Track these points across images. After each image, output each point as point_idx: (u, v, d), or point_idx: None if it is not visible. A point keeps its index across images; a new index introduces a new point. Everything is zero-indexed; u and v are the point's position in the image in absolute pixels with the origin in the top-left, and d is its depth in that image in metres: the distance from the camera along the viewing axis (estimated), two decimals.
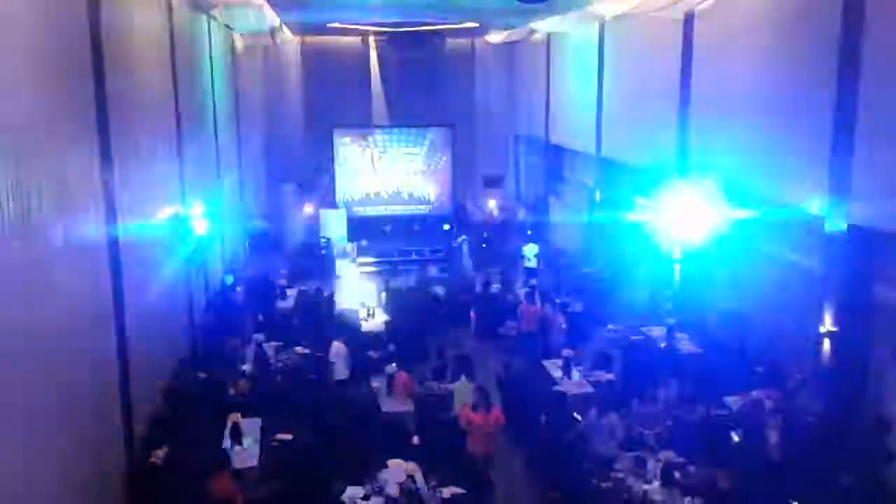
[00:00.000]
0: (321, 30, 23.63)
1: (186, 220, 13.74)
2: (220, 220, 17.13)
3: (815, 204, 10.13)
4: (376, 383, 11.82)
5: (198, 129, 15.65)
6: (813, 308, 10.52)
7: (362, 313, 15.48)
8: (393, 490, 8.56)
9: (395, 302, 16.33)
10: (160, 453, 9.09)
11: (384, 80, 26.20)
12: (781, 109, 11.15)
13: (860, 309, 9.87)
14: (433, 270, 19.73)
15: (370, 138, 26.09)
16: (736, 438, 9.82)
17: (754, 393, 10.35)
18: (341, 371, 12.42)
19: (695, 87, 13.99)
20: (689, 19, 14.03)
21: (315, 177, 25.04)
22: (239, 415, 10.28)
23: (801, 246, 11.35)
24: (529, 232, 23.24)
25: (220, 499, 8.33)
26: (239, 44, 21.92)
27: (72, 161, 7.69)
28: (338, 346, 12.54)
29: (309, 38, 25.49)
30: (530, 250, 19.78)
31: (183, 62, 13.74)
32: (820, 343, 10.31)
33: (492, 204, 25.55)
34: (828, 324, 10.22)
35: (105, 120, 8.62)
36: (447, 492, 8.63)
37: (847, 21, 9.44)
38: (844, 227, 9.68)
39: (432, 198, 26.44)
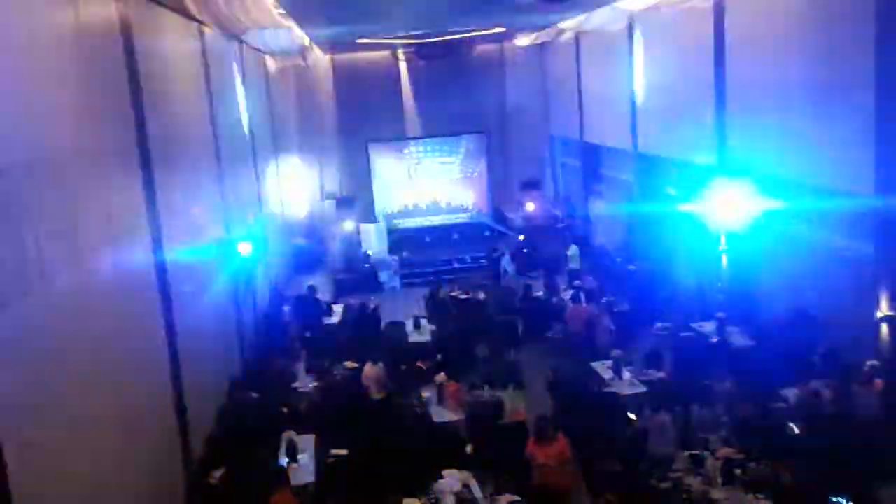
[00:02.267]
0: (351, 47, 23.86)
1: (231, 244, 14.00)
2: (263, 241, 17.42)
3: (862, 187, 9.89)
4: (427, 394, 11.84)
5: (237, 154, 15.90)
6: (867, 294, 10.26)
7: (408, 325, 15.54)
8: (449, 500, 8.57)
9: (440, 312, 16.36)
10: (217, 474, 9.24)
11: (415, 92, 26.35)
12: (821, 94, 10.91)
13: None
14: (476, 278, 19.70)
15: (405, 150, 26.27)
16: (796, 431, 9.59)
17: (812, 384, 10.11)
18: (374, 393, 12.07)
19: (730, 77, 13.76)
20: (718, 10, 13.83)
21: (353, 194, 25.24)
22: (293, 432, 10.41)
23: (850, 231, 11.08)
24: (570, 233, 23.18)
25: None
26: (272, 66, 22.26)
27: (117, 194, 7.90)
28: (370, 369, 12.21)
29: (339, 56, 25.77)
30: (573, 251, 19.67)
31: (218, 89, 13.99)
32: (878, 328, 10.05)
33: (531, 207, 25.45)
34: (884, 308, 9.96)
35: (147, 154, 8.86)
36: (504, 500, 8.59)
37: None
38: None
39: (470, 205, 26.48)
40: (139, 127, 8.74)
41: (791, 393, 10.32)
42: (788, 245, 12.99)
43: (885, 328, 9.89)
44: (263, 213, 18.38)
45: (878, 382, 9.82)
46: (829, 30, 10.66)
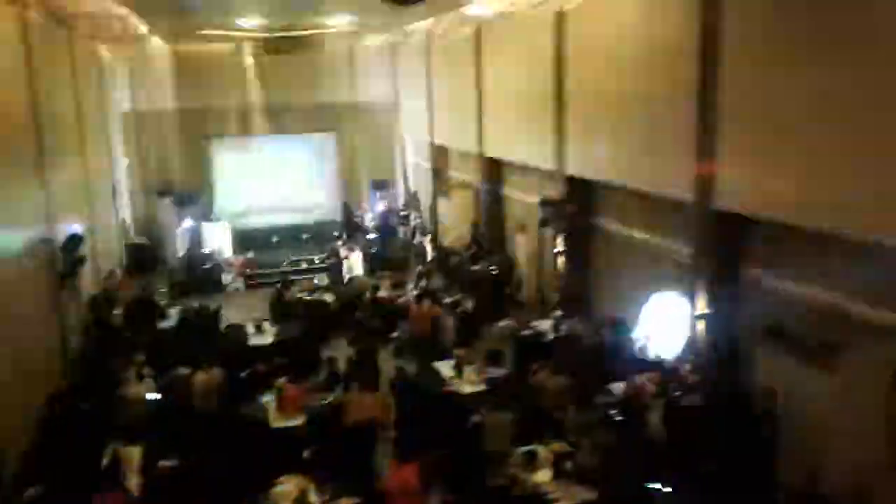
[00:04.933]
0: (193, 37, 22.81)
1: (55, 242, 13.02)
2: (93, 239, 16.31)
3: (683, 192, 10.57)
4: (266, 398, 11.48)
5: (63, 146, 14.81)
6: (687, 292, 11.01)
7: (250, 328, 15.04)
8: None
9: (285, 313, 15.96)
10: (32, 491, 8.52)
11: (263, 87, 25.56)
12: (651, 103, 11.58)
13: (729, 290, 10.38)
14: (323, 279, 19.40)
15: (251, 147, 25.45)
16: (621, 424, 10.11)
17: (637, 378, 10.71)
18: (202, 399, 11.43)
19: (569, 85, 14.35)
20: (559, 20, 14.39)
21: (194, 191, 24.12)
22: (119, 444, 9.78)
23: (672, 234, 11.85)
24: (417, 235, 23.37)
25: None
26: (106, 54, 20.92)
27: None
28: (202, 375, 11.53)
29: (181, 47, 24.55)
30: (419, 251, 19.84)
31: (42, 78, 12.96)
32: (695, 326, 10.80)
33: (380, 207, 25.43)
34: (701, 306, 10.70)
35: None
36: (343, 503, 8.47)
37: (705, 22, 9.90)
38: (712, 214, 10.15)
39: (319, 205, 26.04)
40: None
41: (618, 386, 10.89)
42: (621, 247, 13.72)
43: (700, 325, 10.63)
44: (94, 209, 17.21)
45: (693, 376, 10.53)
46: (657, 43, 11.33)
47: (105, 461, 9.41)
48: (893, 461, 7.58)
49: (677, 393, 10.24)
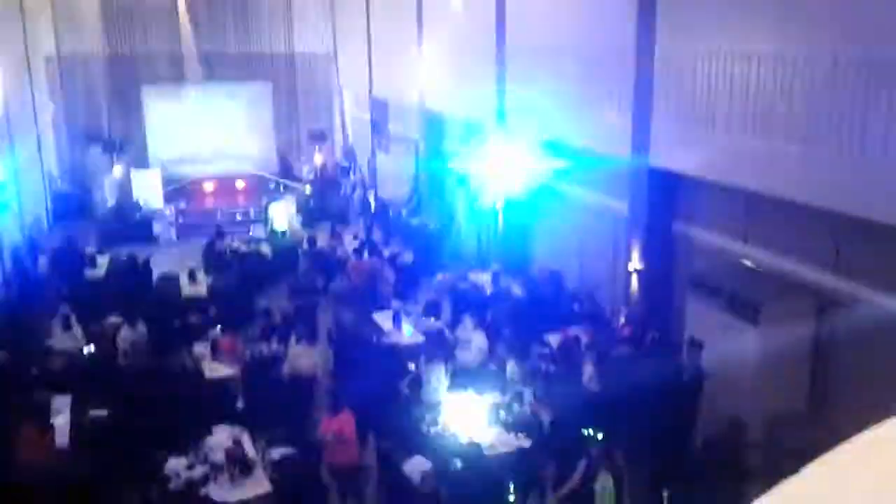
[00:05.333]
0: None
1: None
2: (14, 185, 15.62)
3: (620, 150, 10.70)
4: (200, 349, 11.31)
5: None
6: (622, 247, 11.23)
7: (183, 279, 14.71)
8: (219, 456, 8.26)
9: (219, 264, 15.65)
10: None
11: (196, 33, 24.62)
12: (589, 61, 11.61)
13: (662, 245, 10.63)
14: (258, 230, 19.07)
15: (184, 94, 24.58)
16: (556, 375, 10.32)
17: (572, 329, 10.93)
18: (126, 357, 11.02)
19: (509, 36, 14.26)
20: None
21: (123, 137, 23.25)
22: (48, 394, 9.54)
23: (609, 190, 12.01)
24: (358, 188, 23.16)
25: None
26: None
27: None
28: (127, 333, 11.14)
29: None
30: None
31: None
32: (629, 280, 11.05)
33: (318, 160, 25.01)
34: (635, 261, 10.94)
35: None
36: (276, 453, 8.45)
37: None
38: (646, 170, 10.32)
39: (256, 155, 25.43)
40: None
41: (554, 338, 11.09)
42: (558, 202, 13.86)
43: (634, 279, 10.88)
44: (16, 155, 16.43)
45: (628, 328, 10.81)
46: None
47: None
48: (813, 414, 7.96)
49: (609, 345, 10.50)
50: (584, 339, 10.72)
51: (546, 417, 9.24)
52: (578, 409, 9.40)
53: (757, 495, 1.20)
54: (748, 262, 9.09)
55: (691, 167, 9.48)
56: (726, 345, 9.21)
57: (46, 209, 20.14)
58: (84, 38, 23.41)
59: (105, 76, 23.88)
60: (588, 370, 10.12)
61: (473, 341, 10.76)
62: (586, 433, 8.13)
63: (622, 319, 11.03)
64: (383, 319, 12.46)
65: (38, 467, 8.28)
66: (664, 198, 10.56)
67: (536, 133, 13.80)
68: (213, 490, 8.03)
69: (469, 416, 9.14)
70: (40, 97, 20.64)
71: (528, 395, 9.42)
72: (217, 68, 24.76)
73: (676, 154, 9.66)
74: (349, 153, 26.34)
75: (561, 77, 12.42)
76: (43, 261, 15.38)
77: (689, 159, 9.41)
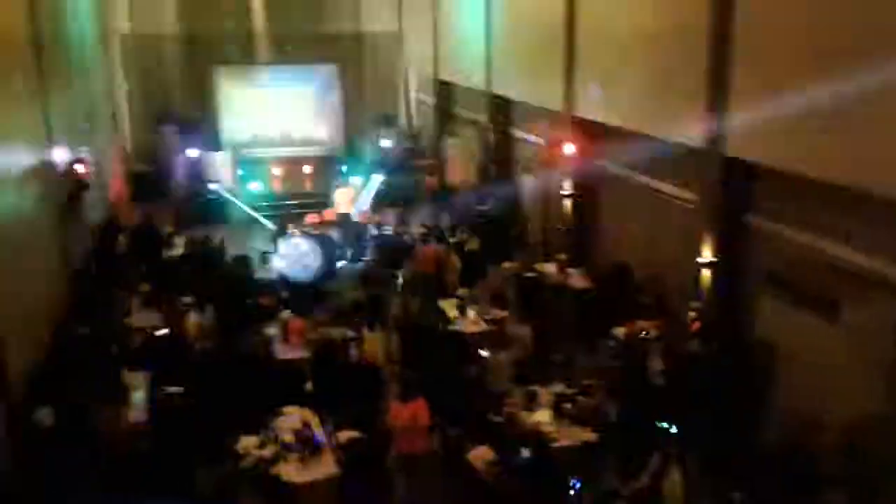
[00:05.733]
0: None
1: (55, 166, 12.90)
2: (96, 165, 16.19)
3: (695, 138, 10.45)
4: (271, 330, 11.59)
5: (64, 66, 14.53)
6: (693, 240, 10.98)
7: (255, 260, 15.07)
8: (288, 437, 8.48)
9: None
10: (43, 412, 8.68)
11: (268, 14, 24.98)
12: (662, 50, 11.35)
13: (735, 238, 10.35)
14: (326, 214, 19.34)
15: (256, 76, 25.00)
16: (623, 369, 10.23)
17: (639, 323, 10.78)
18: (198, 338, 11.29)
19: (580, 24, 14.04)
20: None
21: (198, 119, 23.82)
22: (126, 369, 9.93)
23: (680, 180, 11.75)
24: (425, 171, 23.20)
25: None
26: None
27: None
28: (198, 315, 11.48)
29: None
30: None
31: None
32: (699, 273, 10.81)
33: (385, 143, 25.15)
34: (707, 254, 10.70)
35: None
36: (344, 436, 8.61)
37: None
38: (720, 160, 10.05)
39: (324, 138, 25.75)
40: None
41: (620, 331, 10.96)
42: (628, 191, 13.63)
43: (705, 273, 10.63)
44: (95, 134, 17.03)
45: (697, 324, 10.59)
46: None
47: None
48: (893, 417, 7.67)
49: (678, 340, 10.34)
50: (652, 333, 10.57)
51: (612, 411, 9.18)
52: (646, 404, 9.31)
53: (834, 501, 1.16)
54: (826, 257, 8.78)
55: (769, 157, 9.19)
56: (801, 342, 8.97)
57: (127, 188, 20.79)
58: (158, 17, 23.99)
59: (178, 55, 24.44)
60: (656, 364, 10.00)
61: (518, 332, 10.74)
62: (659, 428, 8.01)
63: (692, 314, 10.82)
64: (449, 307, 12.52)
65: (117, 441, 8.66)
66: (738, 189, 10.27)
67: (605, 120, 13.59)
68: (283, 469, 8.25)
69: (534, 406, 9.14)
70: (116, 75, 21.29)
71: (594, 387, 9.36)
72: (286, 50, 25.05)
73: (754, 144, 9.37)
74: (416, 137, 26.41)
75: (632, 61, 12.18)
76: (123, 239, 15.92)
77: (769, 149, 9.12)
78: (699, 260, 10.70)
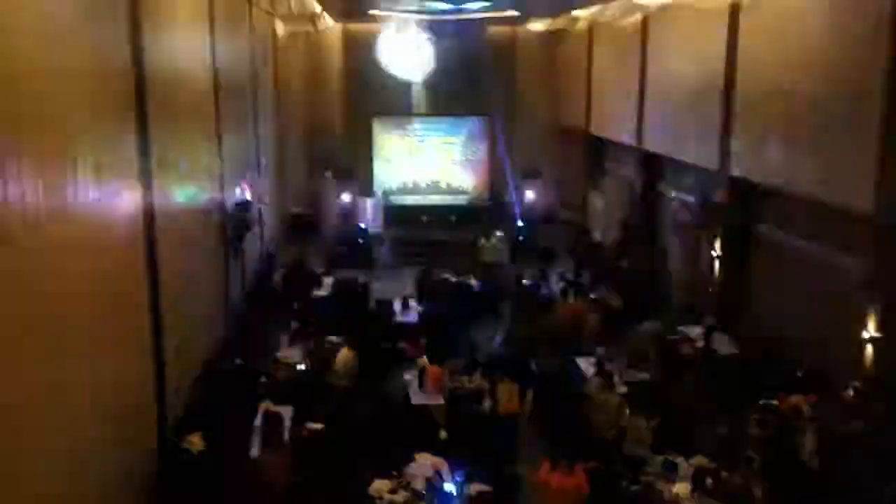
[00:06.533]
0: (362, 17, 23.57)
1: (224, 204, 13.86)
2: (259, 204, 17.28)
3: (863, 201, 9.79)
4: (408, 376, 11.81)
5: (237, 112, 15.70)
6: (857, 311, 10.22)
7: (397, 304, 15.48)
8: (419, 485, 8.55)
9: (430, 293, 16.27)
10: (195, 439, 9.21)
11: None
12: (829, 108, 10.79)
13: None
14: (468, 263, 19.57)
15: (409, 127, 26.00)
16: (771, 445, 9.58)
17: (793, 398, 10.10)
18: (341, 377, 11.69)
19: (740, 81, 13.63)
20: (733, 12, 13.67)
21: (353, 167, 25.00)
22: (270, 402, 10.40)
23: (845, 245, 11.01)
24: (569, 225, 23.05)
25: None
26: (280, 30, 22.02)
27: (110, 144, 7.74)
28: (345, 355, 11.83)
29: (350, 26, 25.43)
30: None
31: (222, 45, 13.76)
32: (864, 348, 10.03)
33: (529, 195, 25.28)
34: (872, 328, 9.92)
35: (143, 107, 8.70)
36: (474, 488, 8.57)
37: None
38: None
39: (470, 188, 26.28)
40: (138, 77, 8.58)
41: (771, 406, 10.29)
42: (783, 255, 12.94)
43: (869, 349, 9.86)
44: (261, 175, 18.24)
45: (858, 400, 9.79)
46: (842, 40, 10.52)
47: (258, 418, 9.98)
48: None
49: (836, 418, 9.58)
50: (807, 409, 9.86)
51: (758, 490, 8.60)
52: (796, 485, 8.68)
53: None
54: None
55: None
56: None
57: (283, 228, 22.06)
58: (325, 72, 25.54)
59: (342, 108, 25.84)
60: (809, 443, 9.31)
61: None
62: None
63: (851, 392, 10.01)
64: (587, 365, 12.28)
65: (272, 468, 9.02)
66: None
67: (763, 181, 13.02)
68: None
69: (674, 477, 8.73)
70: (286, 127, 22.76)
71: (739, 464, 8.83)
72: (441, 102, 25.84)
73: None
74: (561, 190, 26.35)
75: (798, 120, 11.63)
76: (277, 276, 16.84)
77: None
78: (865, 334, 9.96)
